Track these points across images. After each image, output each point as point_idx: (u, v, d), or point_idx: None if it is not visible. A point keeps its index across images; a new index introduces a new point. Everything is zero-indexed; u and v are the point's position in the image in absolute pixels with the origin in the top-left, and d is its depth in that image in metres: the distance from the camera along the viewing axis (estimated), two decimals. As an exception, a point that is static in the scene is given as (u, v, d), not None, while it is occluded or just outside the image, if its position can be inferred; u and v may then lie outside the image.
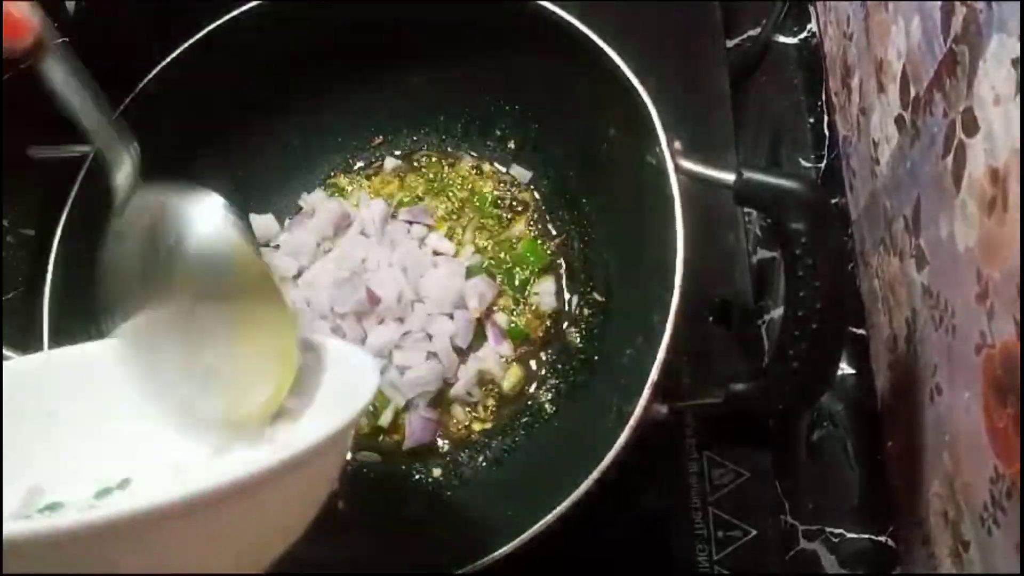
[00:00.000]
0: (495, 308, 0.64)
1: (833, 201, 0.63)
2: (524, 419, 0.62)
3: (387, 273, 0.63)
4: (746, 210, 0.69)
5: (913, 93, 0.51)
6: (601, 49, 0.55)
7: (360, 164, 0.71)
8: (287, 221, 0.69)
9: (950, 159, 0.46)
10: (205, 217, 0.47)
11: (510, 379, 0.63)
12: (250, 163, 0.68)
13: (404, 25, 0.64)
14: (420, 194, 0.69)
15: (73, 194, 0.57)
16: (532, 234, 0.67)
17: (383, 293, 0.62)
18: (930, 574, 0.49)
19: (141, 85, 0.60)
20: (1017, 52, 0.38)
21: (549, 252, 0.66)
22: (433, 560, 0.53)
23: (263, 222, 0.68)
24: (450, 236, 0.67)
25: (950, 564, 0.46)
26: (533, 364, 0.64)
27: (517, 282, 0.65)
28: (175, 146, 0.62)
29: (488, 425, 0.62)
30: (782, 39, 0.72)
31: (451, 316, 0.63)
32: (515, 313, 0.64)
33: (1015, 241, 0.38)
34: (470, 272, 0.64)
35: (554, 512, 0.47)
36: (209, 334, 0.46)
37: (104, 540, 0.28)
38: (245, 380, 0.46)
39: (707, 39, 0.76)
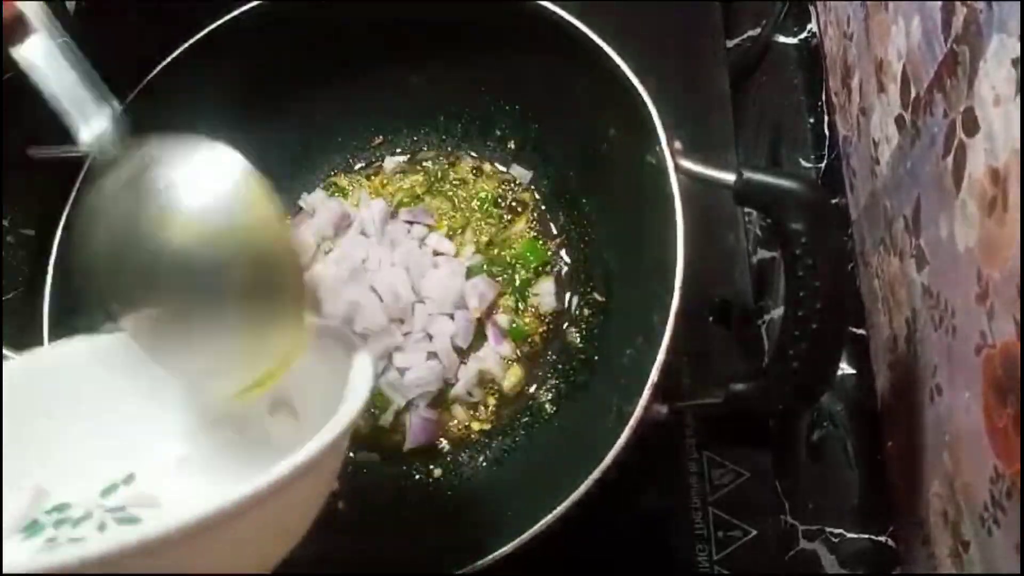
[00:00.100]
0: (495, 308, 0.64)
1: (833, 201, 0.63)
2: (524, 419, 0.62)
3: (387, 273, 0.63)
4: (746, 210, 0.69)
5: (913, 93, 0.51)
6: (601, 49, 0.55)
7: (360, 164, 0.71)
8: (287, 221, 0.69)
9: (950, 159, 0.46)
10: (210, 163, 0.42)
11: (510, 379, 0.63)
12: (250, 163, 0.67)
13: (404, 25, 0.64)
14: (420, 194, 0.69)
15: (73, 194, 0.57)
16: (532, 234, 0.67)
17: (383, 293, 0.62)
18: (930, 574, 0.49)
19: (141, 85, 0.60)
20: (1017, 52, 0.38)
21: (549, 252, 0.66)
22: (433, 560, 0.53)
23: (263, 222, 0.68)
24: (450, 236, 0.67)
25: (950, 564, 0.46)
26: (533, 364, 0.64)
27: (517, 282, 0.65)
28: (175, 146, 0.62)
29: (488, 425, 0.62)
30: (782, 39, 0.72)
31: (451, 316, 0.63)
32: (515, 313, 0.64)
33: (1015, 241, 0.38)
34: (470, 272, 0.64)
35: (554, 512, 0.47)
36: (211, 307, 0.42)
37: (120, 562, 0.28)
38: (250, 352, 0.43)
39: (707, 39, 0.76)
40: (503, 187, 0.69)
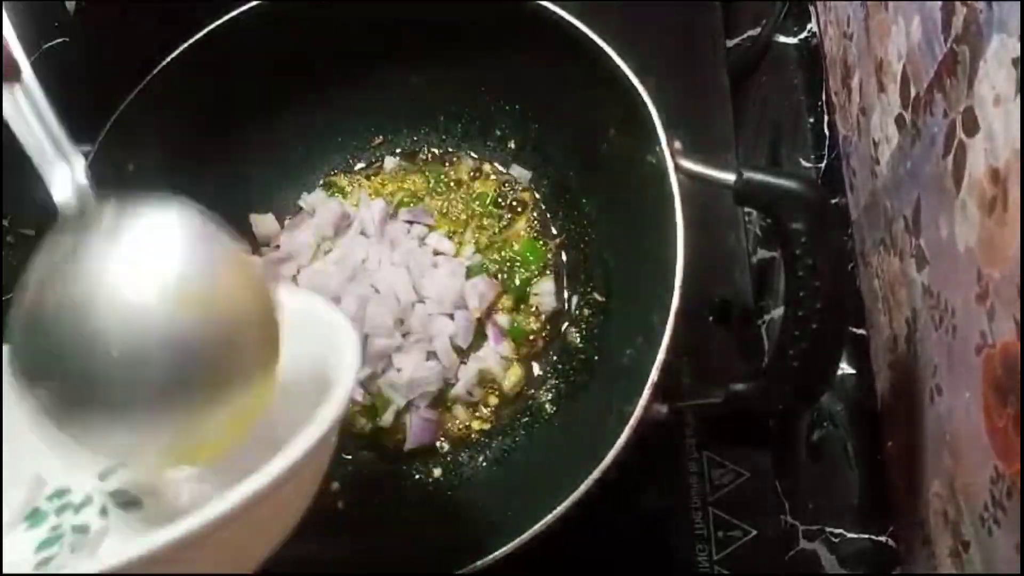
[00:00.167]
0: (495, 308, 0.64)
1: (833, 201, 0.63)
2: (524, 419, 0.62)
3: (387, 273, 0.63)
4: (746, 210, 0.69)
5: (913, 93, 0.51)
6: (601, 49, 0.55)
7: (360, 164, 0.71)
8: (287, 221, 0.69)
9: (950, 159, 0.46)
10: (165, 232, 0.37)
11: (510, 379, 0.63)
12: (250, 163, 0.68)
13: (404, 25, 0.64)
14: (420, 194, 0.69)
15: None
16: (532, 234, 0.67)
17: (384, 293, 0.62)
18: (930, 574, 0.49)
19: (141, 85, 0.60)
20: (1017, 52, 0.38)
21: (549, 252, 0.66)
22: (433, 560, 0.53)
23: (263, 222, 0.68)
24: (450, 236, 0.67)
25: (950, 564, 0.46)
26: (533, 364, 0.64)
27: (517, 282, 0.65)
28: (175, 146, 0.62)
29: (488, 425, 0.62)
30: (782, 39, 0.72)
31: (451, 316, 0.63)
32: (515, 313, 0.64)
33: (1015, 241, 0.38)
34: (470, 272, 0.64)
35: (554, 512, 0.47)
36: (164, 388, 0.36)
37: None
38: (207, 421, 0.37)
39: (707, 39, 0.76)
40: (503, 187, 0.69)
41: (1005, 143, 0.39)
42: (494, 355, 0.63)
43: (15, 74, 0.39)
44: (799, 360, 0.49)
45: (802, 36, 0.71)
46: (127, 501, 0.42)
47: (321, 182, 0.70)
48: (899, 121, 0.54)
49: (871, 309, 0.60)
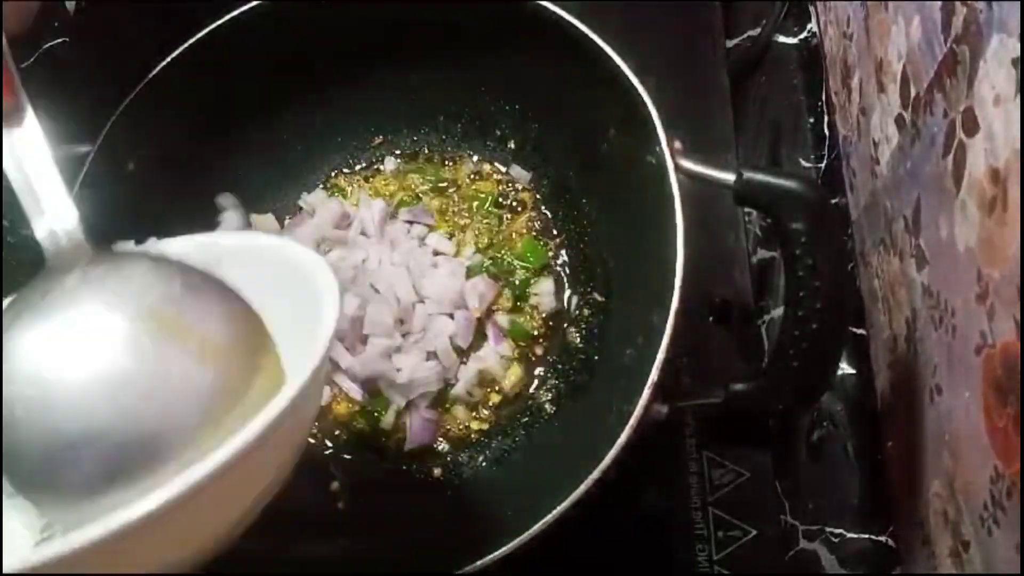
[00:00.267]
0: (495, 308, 0.64)
1: (833, 201, 0.63)
2: (524, 419, 0.62)
3: (388, 273, 0.63)
4: (746, 210, 0.69)
5: (913, 93, 0.51)
6: (601, 49, 0.55)
7: (360, 164, 0.71)
8: (287, 221, 0.69)
9: (950, 159, 0.46)
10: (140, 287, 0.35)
11: (510, 379, 0.63)
12: (250, 163, 0.68)
13: (404, 25, 0.64)
14: (420, 194, 0.69)
15: (73, 194, 0.57)
16: (532, 234, 0.67)
17: (384, 293, 0.62)
18: (930, 574, 0.49)
19: (141, 85, 0.60)
20: (1017, 52, 0.38)
21: (549, 252, 0.66)
22: (433, 560, 0.53)
23: (263, 222, 0.68)
24: (450, 236, 0.67)
25: (950, 564, 0.46)
26: (533, 364, 0.64)
27: (517, 282, 0.65)
28: (175, 146, 0.63)
29: (488, 425, 0.62)
30: (782, 39, 0.72)
31: (451, 316, 0.63)
32: (515, 313, 0.64)
33: (1015, 241, 0.38)
34: (470, 272, 0.64)
35: (554, 512, 0.47)
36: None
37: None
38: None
39: (707, 39, 0.76)
40: (503, 187, 0.69)
41: (1005, 143, 0.39)
42: (494, 355, 0.63)
43: (17, 119, 0.39)
44: (799, 360, 0.49)
45: (802, 36, 0.71)
46: None
47: (321, 182, 0.70)
48: (899, 121, 0.54)
49: (871, 309, 0.60)
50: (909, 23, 0.52)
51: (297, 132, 0.69)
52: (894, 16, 0.54)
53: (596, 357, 0.62)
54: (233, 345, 0.37)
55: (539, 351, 0.64)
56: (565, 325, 0.64)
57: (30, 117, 0.39)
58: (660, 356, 0.48)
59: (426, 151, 0.71)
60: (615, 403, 0.52)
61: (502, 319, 0.64)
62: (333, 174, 0.70)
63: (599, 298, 0.64)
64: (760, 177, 0.49)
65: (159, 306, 0.36)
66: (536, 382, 0.63)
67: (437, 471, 0.62)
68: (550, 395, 0.63)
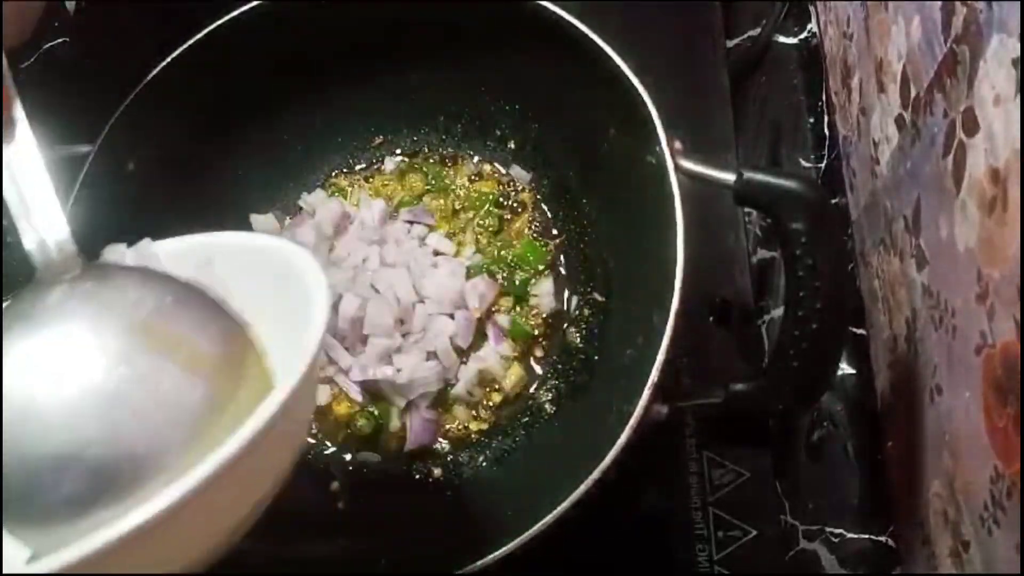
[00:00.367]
0: (495, 308, 0.64)
1: (833, 201, 0.63)
2: (524, 419, 0.62)
3: (388, 273, 0.63)
4: (746, 210, 0.69)
5: (913, 93, 0.51)
6: (601, 49, 0.55)
7: (360, 164, 0.71)
8: (287, 221, 0.69)
9: (950, 159, 0.46)
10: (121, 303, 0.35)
11: (510, 379, 0.63)
12: (250, 163, 0.68)
13: (404, 25, 0.64)
14: (420, 194, 0.69)
15: (73, 194, 0.57)
16: (532, 234, 0.67)
17: (384, 293, 0.62)
18: (930, 574, 0.49)
19: (142, 84, 0.60)
20: (1017, 52, 0.38)
21: (549, 252, 0.66)
22: (433, 560, 0.53)
23: (263, 222, 0.68)
24: (450, 236, 0.67)
25: (950, 564, 0.46)
26: (533, 364, 0.64)
27: (517, 282, 0.65)
28: (175, 146, 0.63)
29: (488, 425, 0.62)
30: (782, 39, 0.72)
31: (451, 316, 0.63)
32: (515, 313, 0.64)
33: (1015, 241, 0.38)
34: (470, 272, 0.64)
35: (554, 512, 0.47)
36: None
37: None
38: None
39: (707, 39, 0.76)
40: (503, 187, 0.69)
41: (1005, 143, 0.39)
42: (494, 355, 0.63)
43: (11, 132, 0.38)
44: (799, 360, 0.49)
45: (802, 36, 0.71)
46: None
47: (321, 182, 0.70)
48: (899, 121, 0.54)
49: (871, 309, 0.60)
50: (909, 23, 0.52)
51: (297, 132, 0.69)
52: (894, 16, 0.54)
53: (596, 357, 0.62)
54: (219, 357, 0.37)
55: (539, 351, 0.64)
56: (565, 325, 0.64)
57: (24, 129, 0.39)
58: (660, 356, 0.48)
59: (426, 151, 0.71)
60: (615, 403, 0.52)
61: (502, 319, 0.64)
62: (333, 174, 0.70)
63: (599, 298, 0.64)
64: (760, 177, 0.49)
65: (147, 320, 0.36)
66: (536, 382, 0.63)
67: (437, 471, 0.62)
68: (550, 395, 0.63)
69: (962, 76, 0.44)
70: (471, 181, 0.69)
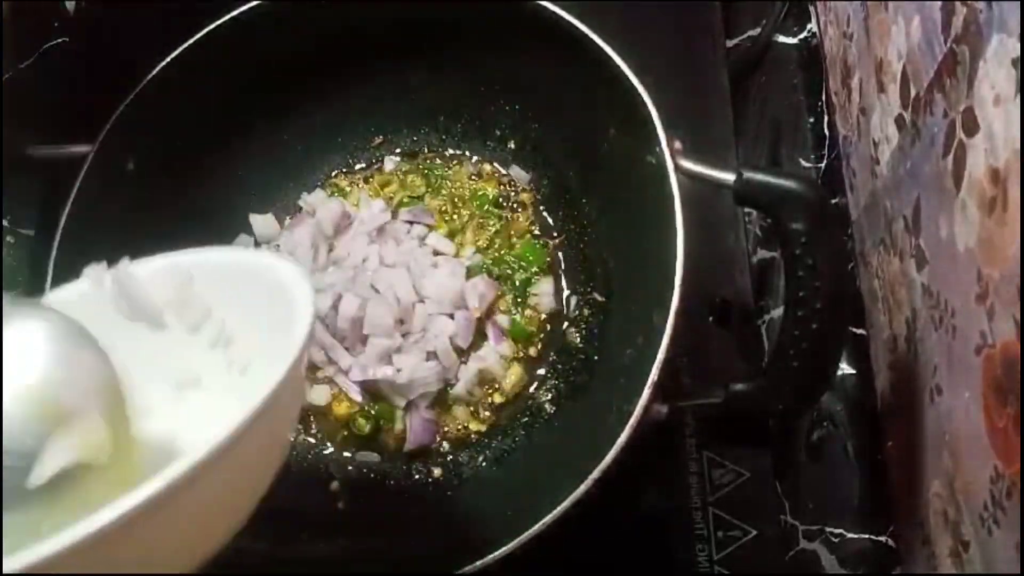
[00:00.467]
0: (495, 308, 0.64)
1: (833, 201, 0.63)
2: (524, 419, 0.62)
3: (388, 273, 0.63)
4: (746, 210, 0.69)
5: (913, 93, 0.51)
6: (601, 49, 0.56)
7: (360, 164, 0.71)
8: (287, 221, 0.69)
9: (950, 159, 0.46)
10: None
11: (510, 379, 0.63)
12: (250, 163, 0.68)
13: (404, 25, 0.64)
14: (420, 194, 0.69)
15: (73, 194, 0.57)
16: (532, 234, 0.67)
17: (384, 293, 0.62)
18: (930, 574, 0.49)
19: (141, 85, 0.60)
20: (1017, 52, 0.38)
21: (549, 252, 0.66)
22: (433, 560, 0.53)
23: (263, 222, 0.68)
24: (450, 236, 0.67)
25: (950, 564, 0.46)
26: (533, 364, 0.64)
27: (517, 282, 0.65)
28: (175, 146, 0.63)
29: (488, 425, 0.62)
30: (782, 39, 0.72)
31: (451, 316, 0.63)
32: (515, 313, 0.64)
33: (1015, 241, 0.38)
34: (470, 272, 0.64)
35: (554, 512, 0.47)
36: None
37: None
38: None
39: (707, 39, 0.76)
40: (503, 187, 0.69)
41: (1005, 143, 0.39)
42: (494, 355, 0.63)
43: None
44: (799, 360, 0.49)
45: (802, 36, 0.71)
46: None
47: (321, 182, 0.70)
48: (899, 121, 0.54)
49: (871, 309, 0.60)
50: (909, 23, 0.52)
51: (297, 132, 0.69)
52: (894, 16, 0.54)
53: (596, 357, 0.62)
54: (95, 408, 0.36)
55: (539, 351, 0.64)
56: (565, 325, 0.64)
57: None
58: (660, 356, 0.48)
59: (426, 151, 0.71)
60: (615, 403, 0.52)
61: (502, 319, 0.64)
62: (333, 174, 0.70)
63: (599, 298, 0.64)
64: (760, 177, 0.49)
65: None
66: (536, 382, 0.63)
67: (437, 471, 0.62)
68: (550, 395, 0.63)
69: (962, 76, 0.44)
70: (471, 181, 0.69)
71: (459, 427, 0.62)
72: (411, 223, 0.67)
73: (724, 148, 0.71)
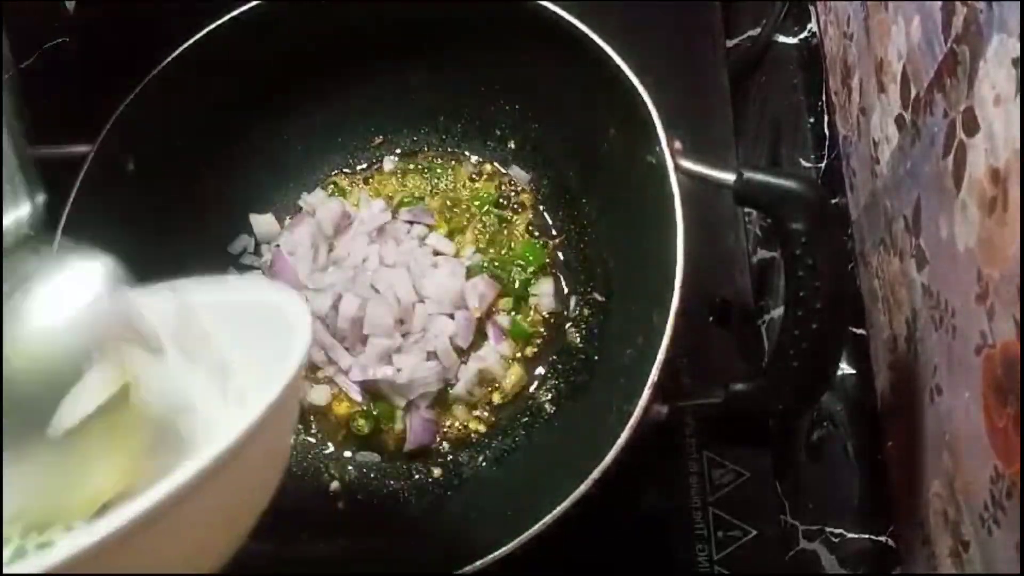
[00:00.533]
0: (495, 308, 0.64)
1: (833, 201, 0.63)
2: (524, 419, 0.62)
3: (388, 273, 0.63)
4: (746, 210, 0.69)
5: (913, 93, 0.51)
6: (601, 49, 0.56)
7: (360, 164, 0.71)
8: (287, 221, 0.69)
9: (950, 159, 0.46)
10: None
11: (510, 379, 0.63)
12: (250, 163, 0.68)
13: (404, 25, 0.64)
14: (420, 194, 0.69)
15: (73, 194, 0.57)
16: (532, 234, 0.67)
17: (384, 293, 0.62)
18: (930, 574, 0.49)
19: (142, 84, 0.60)
20: (1017, 52, 0.38)
21: (549, 252, 0.66)
22: (433, 560, 0.53)
23: (263, 222, 0.68)
24: (450, 236, 0.67)
25: (950, 564, 0.46)
26: (533, 364, 0.64)
27: (517, 282, 0.65)
28: (175, 146, 0.63)
29: (488, 425, 0.62)
30: (782, 39, 0.72)
31: (451, 316, 0.63)
32: (515, 313, 0.64)
33: (1015, 241, 0.38)
34: (470, 272, 0.64)
35: (554, 512, 0.47)
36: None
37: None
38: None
39: (707, 39, 0.76)
40: (503, 187, 0.69)
41: (1005, 143, 0.39)
42: (494, 355, 0.63)
43: None
44: (799, 360, 0.49)
45: (802, 36, 0.71)
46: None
47: (321, 182, 0.70)
48: (899, 121, 0.54)
49: (871, 309, 0.60)
50: (909, 23, 0.52)
51: (297, 132, 0.69)
52: (894, 16, 0.54)
53: (596, 357, 0.62)
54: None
55: (539, 351, 0.64)
56: (565, 325, 0.64)
57: None
58: (660, 356, 0.48)
59: (426, 151, 0.71)
60: (615, 403, 0.52)
61: (502, 319, 0.64)
62: (333, 174, 0.70)
63: (599, 298, 0.64)
64: (760, 177, 0.49)
65: None
66: (536, 382, 0.63)
67: (437, 471, 0.62)
68: (550, 395, 0.63)
69: (962, 76, 0.44)
70: (471, 181, 0.69)
71: (459, 427, 0.62)
72: (411, 223, 0.67)
73: (724, 148, 0.71)
